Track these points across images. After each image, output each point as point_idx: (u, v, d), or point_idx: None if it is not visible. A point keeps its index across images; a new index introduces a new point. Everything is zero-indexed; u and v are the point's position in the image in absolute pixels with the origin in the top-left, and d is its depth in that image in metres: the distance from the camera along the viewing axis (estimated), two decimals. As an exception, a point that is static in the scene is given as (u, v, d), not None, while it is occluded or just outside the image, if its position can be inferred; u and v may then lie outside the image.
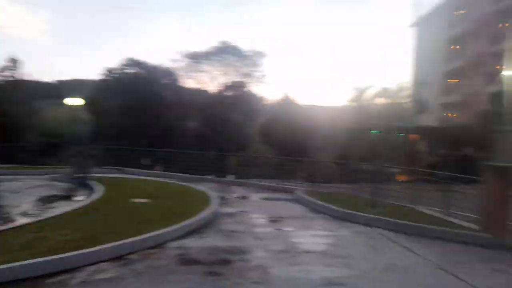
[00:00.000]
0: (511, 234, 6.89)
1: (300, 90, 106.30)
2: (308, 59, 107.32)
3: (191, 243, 6.26)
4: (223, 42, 30.16)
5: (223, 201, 10.54)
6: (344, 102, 34.42)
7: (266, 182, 15.68)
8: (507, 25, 27.63)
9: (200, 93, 30.17)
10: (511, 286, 4.82)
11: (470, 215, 7.97)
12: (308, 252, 6.00)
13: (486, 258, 6.08)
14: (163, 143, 23.69)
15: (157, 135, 26.15)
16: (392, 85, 31.97)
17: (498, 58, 26.61)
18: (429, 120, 32.32)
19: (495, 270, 5.46)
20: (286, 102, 32.49)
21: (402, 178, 22.56)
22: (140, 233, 5.91)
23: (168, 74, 29.77)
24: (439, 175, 10.44)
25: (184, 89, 30.01)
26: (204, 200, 9.45)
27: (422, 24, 37.49)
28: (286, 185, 14.63)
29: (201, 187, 12.29)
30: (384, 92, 31.77)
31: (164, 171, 18.17)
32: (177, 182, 13.53)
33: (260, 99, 38.41)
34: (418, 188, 11.67)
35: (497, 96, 23.54)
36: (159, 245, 5.94)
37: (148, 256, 5.42)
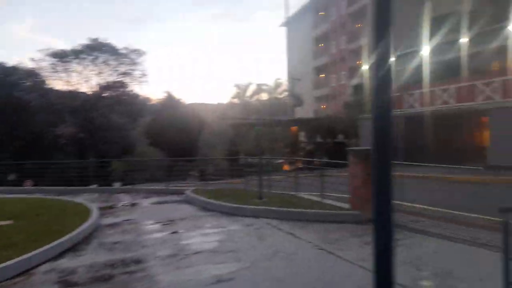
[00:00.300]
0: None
1: (185, 89, 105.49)
2: (190, 59, 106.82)
3: (66, 263, 5.60)
4: (94, 40, 27.77)
5: (107, 211, 9.80)
6: (228, 99, 35.20)
7: (156, 186, 15.11)
8: (360, 25, 31.61)
9: (72, 95, 27.33)
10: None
11: (343, 195, 8.85)
12: (198, 252, 5.90)
13: (358, 233, 6.82)
14: (32, 154, 20.92)
15: (23, 144, 22.93)
16: (270, 81, 33.90)
17: (356, 54, 30.30)
18: (305, 112, 35.11)
19: (366, 243, 6.14)
20: (170, 101, 31.71)
21: (287, 168, 24.12)
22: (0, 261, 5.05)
23: (32, 75, 26.26)
24: (315, 162, 11.44)
25: (53, 91, 26.83)
26: (82, 213, 8.59)
27: (291, 24, 40.39)
28: (177, 186, 14.29)
29: (80, 199, 11.24)
30: (264, 88, 33.48)
31: (36, 185, 16.11)
32: (52, 197, 12.06)
33: (143, 99, 36.74)
34: (300, 175, 12.57)
35: (358, 88, 26.84)
36: (26, 271, 5.16)
37: (11, 287, 4.66)
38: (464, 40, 19.32)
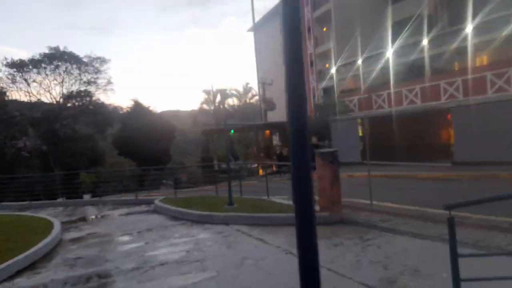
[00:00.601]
0: (344, 209, 7.93)
1: (156, 97, 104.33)
2: (161, 66, 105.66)
3: (23, 282, 5.27)
4: (55, 48, 26.77)
5: (71, 225, 9.41)
6: (199, 105, 34.81)
7: (125, 197, 14.73)
8: (325, 30, 32.10)
9: (33, 106, 26.18)
10: (346, 257, 5.42)
11: (314, 198, 8.80)
12: (163, 264, 5.67)
13: (327, 235, 6.77)
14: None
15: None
16: (241, 87, 33.73)
17: (325, 58, 30.71)
18: (278, 116, 35.20)
19: (334, 245, 6.10)
20: (138, 109, 30.98)
21: (262, 172, 24.01)
22: None
23: (-12, 87, 25.03)
24: (287, 166, 11.40)
25: (12, 102, 25.63)
26: (44, 228, 8.18)
27: (258, 29, 40.39)
28: (148, 196, 14.00)
29: (43, 213, 10.79)
30: (234, 94, 33.39)
31: (-4, 202, 15.31)
32: (13, 213, 11.52)
33: (113, 107, 35.84)
34: (275, 179, 12.50)
35: (327, 91, 27.18)
36: (-24, 294, 4.81)
37: (-43, 313, 4.31)
38: (426, 42, 19.94)
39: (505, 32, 16.11)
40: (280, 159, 25.65)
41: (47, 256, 6.62)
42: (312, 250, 1.05)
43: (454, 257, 2.85)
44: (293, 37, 1.10)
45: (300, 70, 1.07)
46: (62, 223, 9.29)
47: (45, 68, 26.51)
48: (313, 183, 1.03)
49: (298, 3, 1.13)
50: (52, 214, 10.83)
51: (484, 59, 19.39)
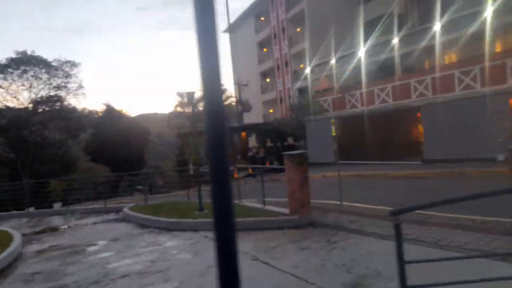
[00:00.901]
0: (315, 211, 7.89)
1: (132, 99, 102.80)
2: (137, 68, 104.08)
3: (-29, 303, 4.96)
4: (22, 52, 25.92)
5: (35, 237, 9.02)
6: (173, 108, 34.32)
7: (94, 205, 14.33)
8: (299, 30, 32.27)
9: (0, 113, 25.19)
10: (311, 261, 5.36)
11: (286, 200, 8.72)
12: (125, 275, 5.46)
13: (296, 238, 6.70)
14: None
15: None
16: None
17: (299, 58, 30.85)
18: (254, 117, 35.19)
19: (302, 248, 6.03)
20: (110, 114, 30.30)
21: (236, 175, 23.84)
22: None
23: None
24: (259, 169, 11.31)
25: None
26: (3, 242, 7.79)
27: (233, 30, 40.29)
28: (119, 203, 13.65)
29: (6, 225, 10.32)
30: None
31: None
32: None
33: (86, 112, 34.94)
34: (250, 182, 12.36)
35: (302, 91, 27.29)
36: None
37: None
38: (396, 41, 20.27)
39: (471, 30, 16.52)
40: (255, 161, 25.56)
41: (3, 272, 6.32)
42: (232, 264, 0.95)
43: (401, 264, 2.81)
44: (206, 35, 0.99)
45: (216, 67, 0.97)
46: (25, 235, 8.93)
47: (12, 73, 25.62)
48: (232, 192, 0.95)
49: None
50: (15, 226, 10.39)
51: (452, 57, 19.85)
